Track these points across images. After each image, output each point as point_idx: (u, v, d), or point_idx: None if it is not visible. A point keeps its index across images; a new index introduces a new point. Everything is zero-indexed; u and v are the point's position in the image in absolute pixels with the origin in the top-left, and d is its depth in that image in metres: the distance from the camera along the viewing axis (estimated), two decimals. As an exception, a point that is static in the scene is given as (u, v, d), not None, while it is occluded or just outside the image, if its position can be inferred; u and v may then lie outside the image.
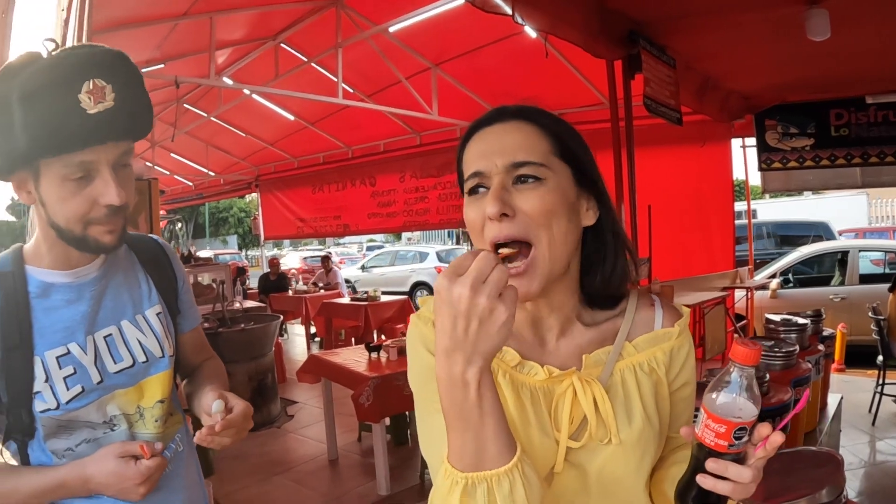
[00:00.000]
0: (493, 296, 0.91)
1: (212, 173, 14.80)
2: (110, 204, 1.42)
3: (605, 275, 1.27)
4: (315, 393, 8.06)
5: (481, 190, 1.19)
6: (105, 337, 1.58)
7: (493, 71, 8.36)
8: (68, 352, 1.50)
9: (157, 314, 1.71)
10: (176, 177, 15.77)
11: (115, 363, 1.58)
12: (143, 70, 7.40)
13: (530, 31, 7.10)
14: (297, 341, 13.41)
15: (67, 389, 1.48)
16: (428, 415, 1.23)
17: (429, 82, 8.64)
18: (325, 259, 14.20)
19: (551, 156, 1.19)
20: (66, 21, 3.65)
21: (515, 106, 1.26)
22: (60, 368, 1.48)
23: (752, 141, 8.28)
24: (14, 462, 1.53)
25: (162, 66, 8.19)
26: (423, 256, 22.87)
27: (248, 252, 43.84)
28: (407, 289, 20.73)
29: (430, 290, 19.68)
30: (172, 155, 13.69)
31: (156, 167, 13.78)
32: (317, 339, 12.24)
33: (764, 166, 8.04)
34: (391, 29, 7.50)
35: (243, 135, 12.12)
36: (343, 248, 40.01)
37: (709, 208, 8.43)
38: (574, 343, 1.28)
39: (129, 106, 1.42)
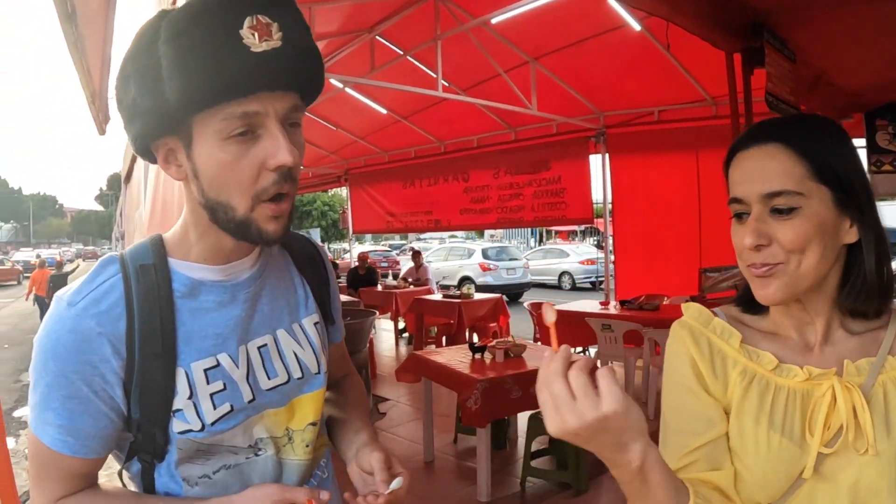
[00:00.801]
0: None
1: (301, 166, 14.90)
2: (281, 165, 1.15)
3: (856, 289, 1.20)
4: (405, 390, 8.05)
5: (744, 216, 1.19)
6: (259, 348, 1.35)
7: (593, 65, 8.20)
8: (218, 364, 1.26)
9: (315, 324, 1.47)
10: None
11: (269, 379, 1.34)
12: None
13: (634, 24, 6.93)
14: (383, 336, 13.30)
15: (214, 408, 1.24)
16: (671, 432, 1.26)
17: (525, 76, 8.47)
18: (416, 254, 14.08)
19: (808, 181, 1.15)
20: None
21: (774, 123, 1.22)
22: (208, 383, 1.25)
23: (861, 142, 7.91)
24: (133, 486, 1.32)
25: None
26: (469, 253, 24.79)
27: (331, 245, 44.31)
28: (455, 282, 21.78)
29: (474, 284, 20.69)
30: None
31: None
32: (405, 335, 12.16)
33: (874, 168, 7.65)
34: (493, 21, 7.34)
35: (334, 128, 12.11)
36: (423, 242, 40.21)
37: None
38: (837, 350, 1.23)
39: (299, 51, 1.15)
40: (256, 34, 1.09)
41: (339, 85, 9.69)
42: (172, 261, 1.28)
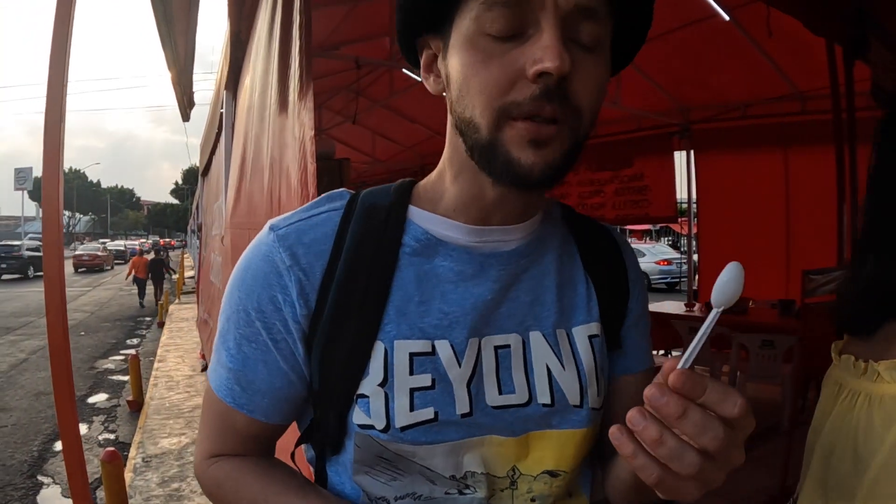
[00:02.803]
0: None
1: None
2: (543, 70, 0.77)
3: None
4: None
5: None
6: (498, 348, 0.96)
7: (678, 58, 7.92)
8: (433, 351, 0.92)
9: (591, 337, 1.03)
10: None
11: (501, 394, 0.95)
12: (323, 52, 7.49)
13: (723, 14, 6.70)
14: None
15: (411, 409, 0.90)
16: None
17: (608, 69, 8.19)
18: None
19: None
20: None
21: None
22: (412, 374, 0.91)
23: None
24: (309, 472, 1.04)
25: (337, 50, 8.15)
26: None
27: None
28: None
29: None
30: (339, 143, 13.69)
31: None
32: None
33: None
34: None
35: (410, 122, 11.98)
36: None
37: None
38: None
39: None
40: None
41: (418, 78, 9.52)
42: (414, 209, 0.98)
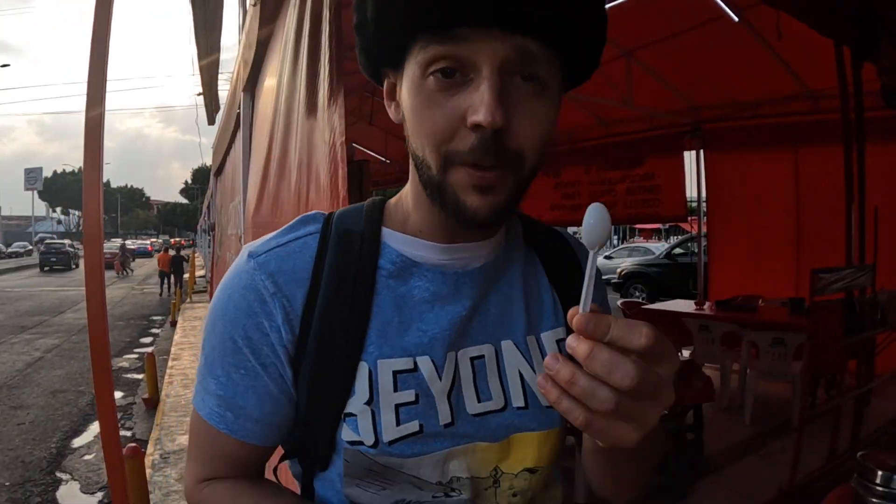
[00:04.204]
0: None
1: (388, 161, 14.89)
2: (476, 122, 0.79)
3: None
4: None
5: None
6: (474, 359, 1.00)
7: (688, 59, 8.00)
8: (415, 368, 0.95)
9: (559, 341, 1.07)
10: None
11: (479, 401, 1.00)
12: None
13: (732, 15, 6.74)
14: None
15: (398, 424, 0.94)
16: None
17: (616, 70, 8.28)
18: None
19: None
20: None
21: None
22: (396, 390, 0.94)
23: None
24: (295, 486, 1.08)
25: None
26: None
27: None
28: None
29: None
30: (354, 145, 13.72)
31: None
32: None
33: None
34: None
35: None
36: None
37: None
38: None
39: None
40: None
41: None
42: (386, 231, 1.01)
